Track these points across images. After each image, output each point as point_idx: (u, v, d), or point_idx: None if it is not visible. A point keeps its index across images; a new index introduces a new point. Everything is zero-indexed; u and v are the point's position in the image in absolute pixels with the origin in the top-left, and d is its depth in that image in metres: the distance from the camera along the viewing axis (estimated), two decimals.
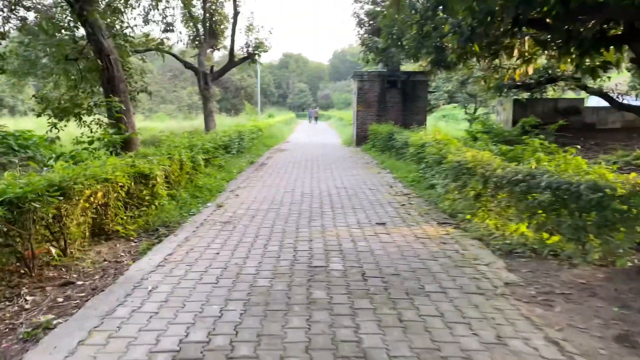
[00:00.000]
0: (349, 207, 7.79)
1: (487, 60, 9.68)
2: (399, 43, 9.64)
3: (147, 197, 6.94)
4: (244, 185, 9.98)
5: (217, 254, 5.20)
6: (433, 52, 8.83)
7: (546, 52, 7.29)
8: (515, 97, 18.71)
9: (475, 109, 36.86)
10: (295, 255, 5.11)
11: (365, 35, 15.43)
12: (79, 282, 4.55)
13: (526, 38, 7.17)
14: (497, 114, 20.36)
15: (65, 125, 12.25)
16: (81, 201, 5.40)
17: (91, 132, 10.26)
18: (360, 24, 16.86)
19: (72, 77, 12.58)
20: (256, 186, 9.94)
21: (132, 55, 19.02)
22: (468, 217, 6.97)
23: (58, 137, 11.95)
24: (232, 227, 6.44)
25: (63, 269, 4.84)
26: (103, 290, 4.25)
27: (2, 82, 31.96)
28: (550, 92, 19.08)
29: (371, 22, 15.85)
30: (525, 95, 18.75)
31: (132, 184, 6.53)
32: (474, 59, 8.54)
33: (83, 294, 4.23)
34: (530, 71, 7.65)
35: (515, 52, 7.47)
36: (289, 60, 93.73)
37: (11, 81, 19.81)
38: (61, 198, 4.79)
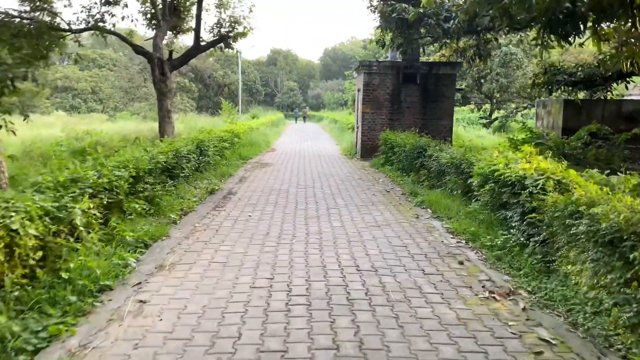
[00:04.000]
0: None
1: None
2: None
3: None
4: (176, 261, 5.04)
5: None
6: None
7: None
8: (565, 96, 14.22)
9: (491, 112, 32.23)
10: None
11: (384, 2, 10.49)
12: None
13: None
14: (538, 118, 15.70)
15: None
16: None
17: None
18: None
19: None
20: (199, 263, 5.00)
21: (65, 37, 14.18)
22: None
23: None
24: None
25: None
26: None
27: None
28: (621, 90, 14.54)
29: None
30: (580, 94, 14.26)
31: None
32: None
33: None
34: None
35: None
36: (278, 56, 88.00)
37: None
38: None
